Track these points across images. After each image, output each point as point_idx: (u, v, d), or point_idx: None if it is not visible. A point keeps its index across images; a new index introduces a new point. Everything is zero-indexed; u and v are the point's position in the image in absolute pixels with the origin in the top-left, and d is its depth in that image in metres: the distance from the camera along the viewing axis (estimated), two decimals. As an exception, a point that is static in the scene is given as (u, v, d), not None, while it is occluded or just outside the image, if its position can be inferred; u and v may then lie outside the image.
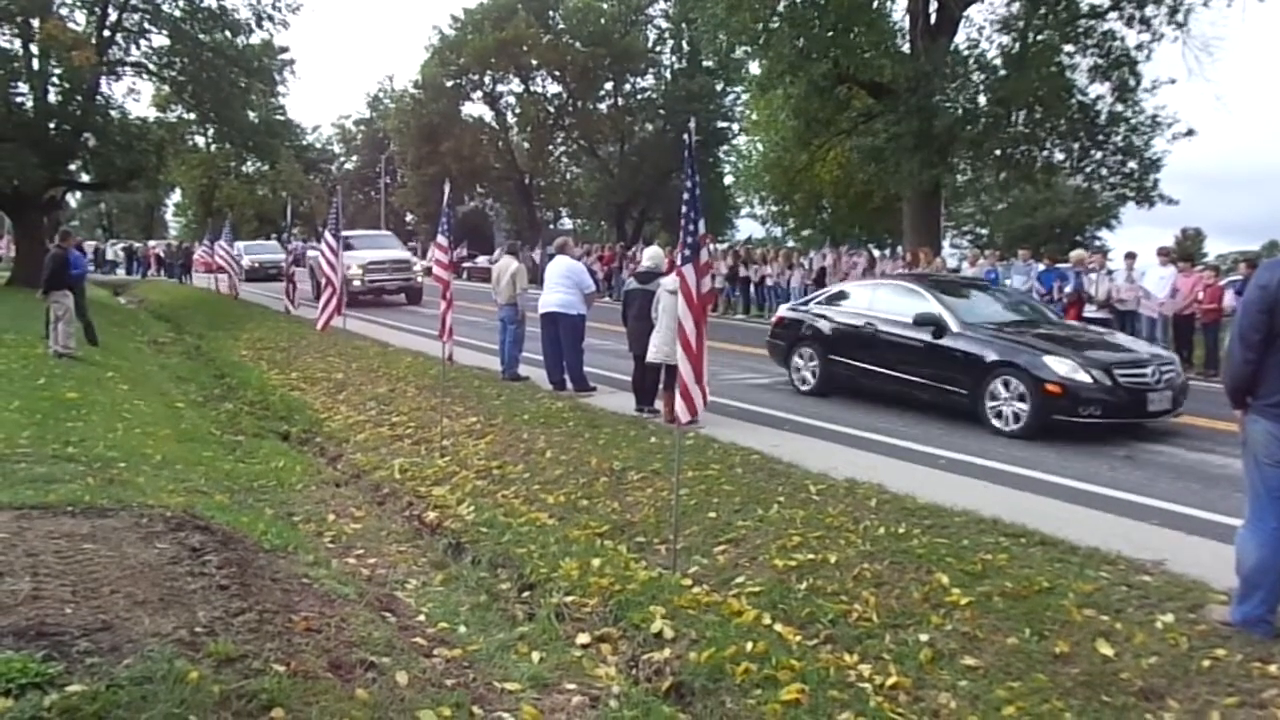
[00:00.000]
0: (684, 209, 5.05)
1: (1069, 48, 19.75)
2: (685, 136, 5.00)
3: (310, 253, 25.98)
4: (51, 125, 24.93)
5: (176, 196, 61.30)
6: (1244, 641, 3.85)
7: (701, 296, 5.10)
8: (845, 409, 9.41)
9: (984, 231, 46.85)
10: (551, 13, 44.34)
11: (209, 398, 11.81)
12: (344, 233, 23.39)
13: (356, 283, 19.62)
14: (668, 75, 45.44)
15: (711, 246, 25.72)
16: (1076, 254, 15.38)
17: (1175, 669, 3.72)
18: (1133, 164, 20.30)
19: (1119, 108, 20.00)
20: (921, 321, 9.03)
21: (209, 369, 14.30)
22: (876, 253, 26.47)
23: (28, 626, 3.31)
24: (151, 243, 46.76)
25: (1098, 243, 37.45)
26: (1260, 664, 3.69)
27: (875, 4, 20.85)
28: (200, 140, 42.93)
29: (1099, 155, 20.58)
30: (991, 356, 8.47)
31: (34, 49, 24.50)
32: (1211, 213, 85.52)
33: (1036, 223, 41.44)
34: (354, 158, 67.68)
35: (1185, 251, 18.77)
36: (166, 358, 15.59)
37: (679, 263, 5.11)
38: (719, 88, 42.98)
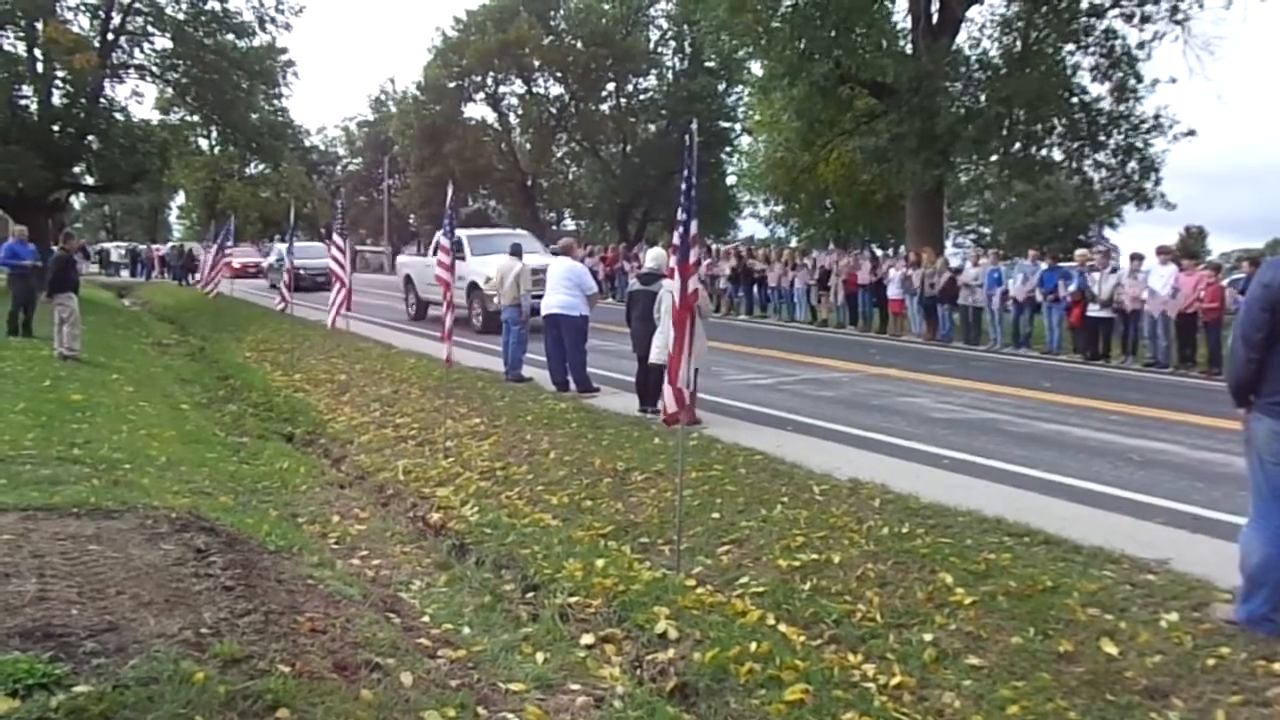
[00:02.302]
0: (679, 213, 5.09)
1: (1069, 47, 19.78)
2: (686, 138, 5.01)
3: (404, 259, 21.94)
4: (55, 128, 25.06)
5: (180, 199, 61.46)
6: (1248, 640, 3.84)
7: (687, 296, 5.13)
8: (849, 410, 9.41)
9: (987, 230, 46.86)
10: (553, 14, 44.33)
11: (213, 399, 11.83)
12: (465, 230, 18.22)
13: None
14: (670, 76, 45.42)
15: (714, 248, 25.79)
16: (1081, 253, 15.39)
17: (1180, 668, 3.71)
18: (1133, 164, 20.31)
19: (1120, 107, 20.03)
20: None
21: (213, 371, 14.32)
22: (879, 252, 26.47)
23: (34, 627, 3.32)
24: (155, 245, 46.90)
25: (1103, 244, 37.41)
26: (1265, 662, 3.68)
27: (876, 5, 20.87)
28: (204, 143, 43.07)
29: (1099, 155, 20.60)
30: None
31: (38, 52, 24.61)
32: (1214, 211, 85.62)
33: (1039, 221, 41.46)
34: (357, 159, 67.73)
35: (1188, 249, 18.70)
36: (171, 359, 15.62)
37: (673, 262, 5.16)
38: (721, 88, 42.96)
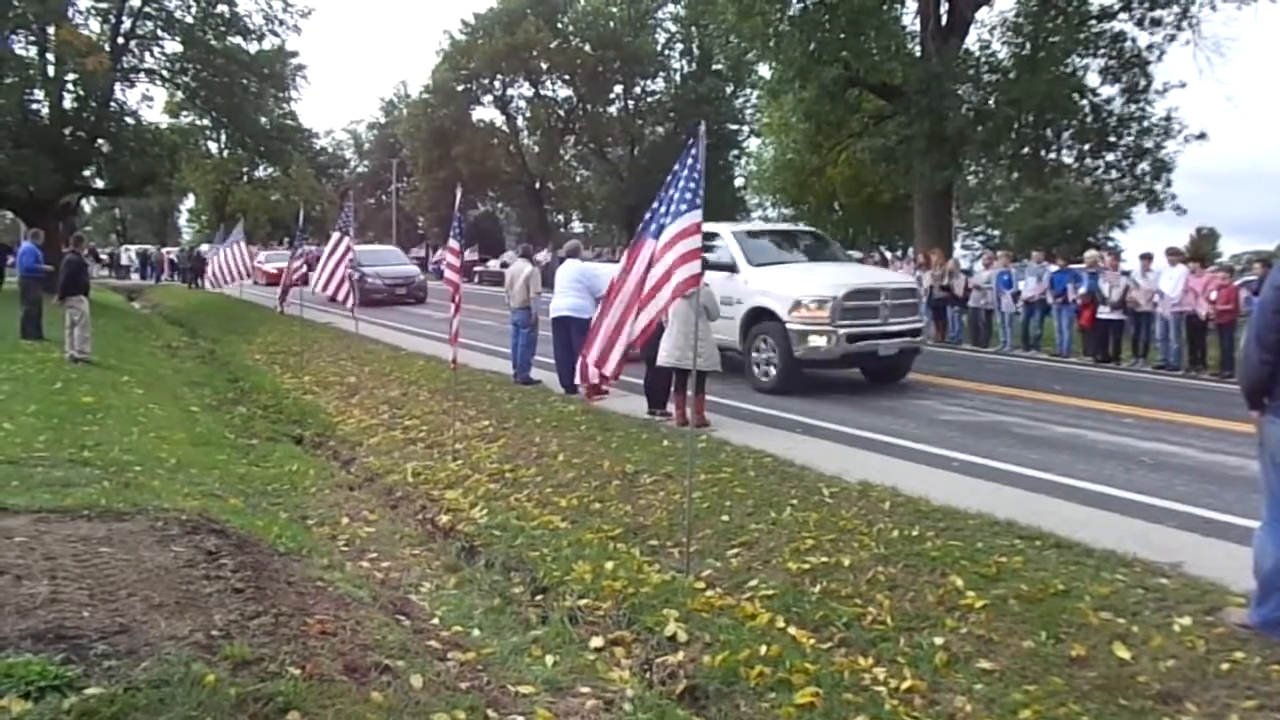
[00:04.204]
0: (660, 204, 5.12)
1: (1079, 50, 19.70)
2: (690, 140, 5.02)
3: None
4: (67, 132, 25.19)
5: (190, 202, 61.76)
6: (1262, 644, 3.82)
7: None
8: (859, 412, 9.39)
9: (995, 233, 46.64)
10: (561, 16, 44.41)
11: (223, 402, 11.87)
12: (728, 225, 12.33)
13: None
14: (678, 78, 45.43)
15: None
16: (1090, 255, 15.31)
17: (1193, 672, 3.69)
18: (1144, 166, 20.22)
19: (1130, 109, 19.95)
20: None
21: (223, 373, 14.37)
22: (888, 254, 26.41)
23: (46, 629, 3.33)
24: (166, 248, 47.15)
25: (1110, 243, 37.23)
26: (1279, 667, 3.66)
27: (885, 7, 20.84)
28: (213, 146, 43.23)
29: (1110, 157, 20.51)
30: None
31: (49, 57, 24.77)
32: (1225, 212, 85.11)
33: (1048, 224, 41.17)
34: (365, 162, 67.95)
35: (1198, 251, 18.57)
36: (181, 362, 15.68)
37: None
38: (729, 90, 42.96)
